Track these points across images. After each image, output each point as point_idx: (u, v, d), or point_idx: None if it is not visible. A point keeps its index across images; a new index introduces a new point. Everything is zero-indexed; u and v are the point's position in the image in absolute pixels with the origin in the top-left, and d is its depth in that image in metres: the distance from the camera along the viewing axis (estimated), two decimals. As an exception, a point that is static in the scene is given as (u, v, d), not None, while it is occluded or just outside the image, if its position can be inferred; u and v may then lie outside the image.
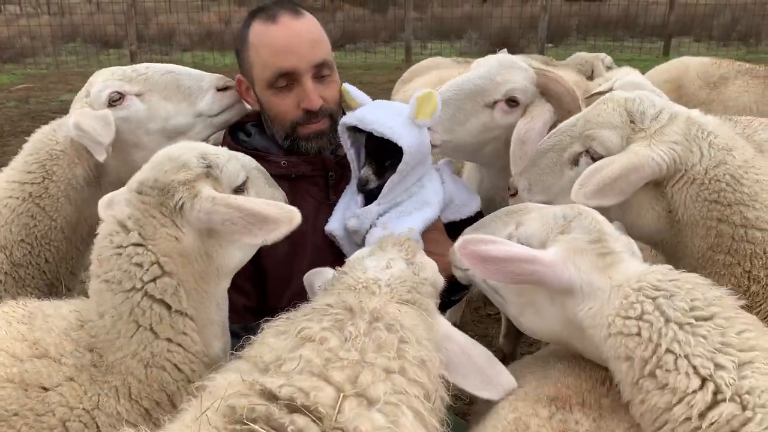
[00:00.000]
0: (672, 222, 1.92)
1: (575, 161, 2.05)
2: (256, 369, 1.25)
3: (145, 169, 1.71)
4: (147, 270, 1.56)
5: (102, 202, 1.89)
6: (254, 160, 1.97)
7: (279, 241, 2.12)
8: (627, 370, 1.41)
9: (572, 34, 18.08)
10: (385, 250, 1.69)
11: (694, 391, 1.30)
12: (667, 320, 1.38)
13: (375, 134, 2.12)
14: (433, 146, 2.27)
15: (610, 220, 1.72)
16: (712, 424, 1.26)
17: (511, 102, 2.37)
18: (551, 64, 6.55)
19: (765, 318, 1.78)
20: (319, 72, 2.27)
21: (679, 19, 16.55)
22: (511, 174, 2.31)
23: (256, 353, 1.29)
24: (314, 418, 1.10)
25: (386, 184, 2.15)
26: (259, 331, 1.40)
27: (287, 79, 2.23)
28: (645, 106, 1.92)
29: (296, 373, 1.18)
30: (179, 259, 1.60)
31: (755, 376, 1.29)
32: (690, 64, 5.43)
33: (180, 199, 1.61)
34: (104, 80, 2.42)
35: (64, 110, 9.36)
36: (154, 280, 1.57)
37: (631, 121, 1.92)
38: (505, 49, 4.66)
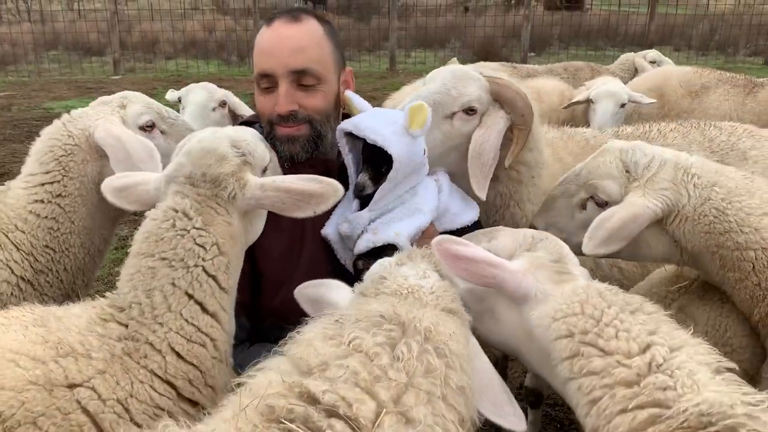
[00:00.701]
0: (682, 249, 2.14)
1: (583, 206, 2.30)
2: (297, 370, 1.28)
3: (184, 163, 1.82)
4: (209, 250, 1.72)
5: (111, 188, 1.97)
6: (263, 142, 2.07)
7: (276, 241, 2.16)
8: (567, 343, 1.52)
9: (554, 44, 18.28)
10: (415, 260, 1.76)
11: (634, 354, 1.40)
12: (609, 304, 1.53)
13: (368, 141, 2.14)
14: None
15: (624, 259, 1.91)
16: (651, 389, 1.33)
17: (469, 111, 2.48)
18: (533, 73, 6.67)
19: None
20: (300, 80, 2.28)
21: (659, 29, 16.82)
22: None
23: (302, 355, 1.31)
24: (352, 428, 1.14)
25: (378, 192, 2.17)
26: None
27: (268, 81, 2.29)
28: (637, 157, 2.15)
29: (341, 382, 1.21)
30: (230, 240, 1.78)
31: (685, 359, 1.38)
32: (672, 73, 5.54)
33: (232, 190, 1.78)
34: (145, 106, 2.67)
35: (47, 118, 9.25)
36: (212, 258, 1.73)
37: (627, 171, 2.15)
38: (455, 59, 4.81)
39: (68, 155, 2.36)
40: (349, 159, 2.27)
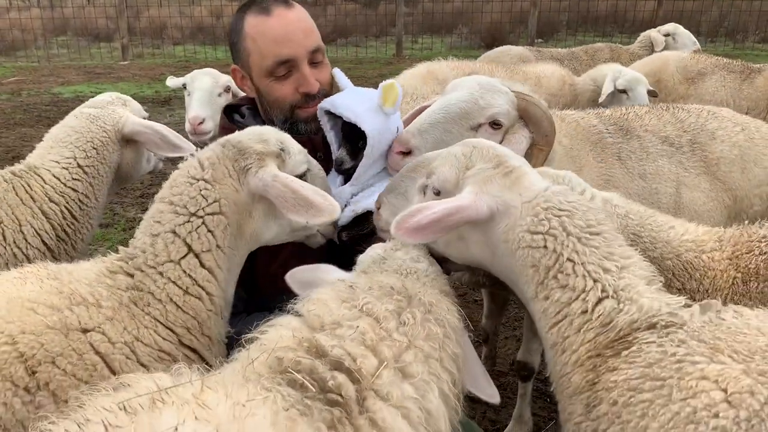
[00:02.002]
0: None
1: None
2: (308, 327, 1.42)
3: (236, 133, 2.03)
4: (210, 204, 1.85)
5: None
6: (323, 170, 2.21)
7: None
8: (533, 274, 1.70)
9: (561, 30, 18.21)
10: (407, 246, 1.90)
11: (588, 290, 1.62)
12: (568, 234, 1.68)
13: (344, 117, 2.28)
14: None
15: None
16: (599, 316, 1.59)
17: (495, 125, 2.44)
18: (557, 56, 6.73)
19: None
20: (314, 58, 2.44)
21: (668, 14, 16.72)
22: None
23: (317, 312, 1.45)
24: (353, 379, 1.28)
25: (359, 168, 2.30)
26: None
27: (286, 67, 2.39)
28: (573, 184, 2.21)
29: (349, 340, 1.36)
30: (233, 206, 1.89)
31: (629, 277, 1.64)
32: (669, 59, 5.58)
33: (249, 163, 1.91)
34: (136, 103, 3.08)
35: (56, 102, 9.35)
36: (212, 214, 1.84)
37: None
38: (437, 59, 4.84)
39: (104, 145, 2.79)
40: (331, 136, 2.40)
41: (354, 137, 2.31)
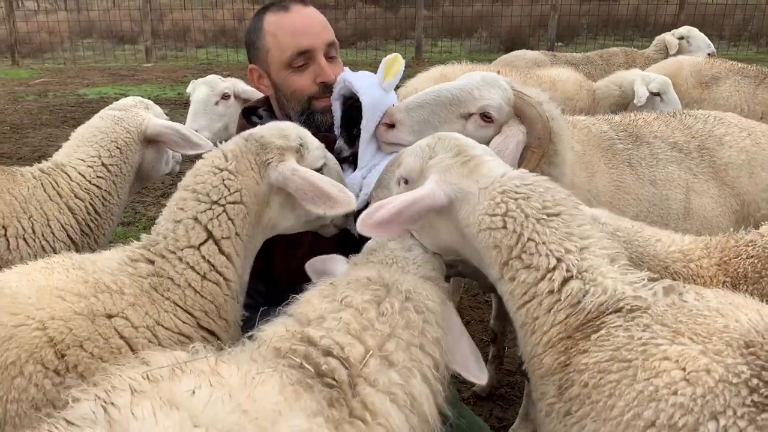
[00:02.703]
0: None
1: None
2: (298, 323, 1.54)
3: (259, 128, 2.14)
4: (232, 193, 1.94)
5: None
6: (339, 166, 2.31)
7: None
8: (496, 255, 1.76)
9: (582, 33, 18.18)
10: (403, 240, 2.00)
11: (553, 269, 1.68)
12: (527, 216, 1.73)
13: (347, 84, 2.39)
14: (396, 144, 2.40)
15: None
16: (567, 296, 1.65)
17: (486, 117, 2.45)
18: (572, 61, 6.77)
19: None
20: (329, 52, 2.57)
21: (689, 18, 16.59)
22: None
23: (302, 311, 1.57)
24: (344, 365, 1.40)
25: (359, 144, 2.39)
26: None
27: (304, 58, 2.50)
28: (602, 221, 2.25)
29: (336, 330, 1.47)
30: (253, 197, 1.99)
31: (591, 258, 1.70)
32: (684, 63, 5.60)
33: (270, 157, 2.01)
34: (156, 107, 3.25)
35: (81, 104, 9.57)
36: (234, 203, 1.94)
37: None
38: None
39: (128, 146, 2.95)
40: (337, 123, 2.52)
41: (351, 125, 2.41)
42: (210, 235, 1.92)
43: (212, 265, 1.91)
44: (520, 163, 2.46)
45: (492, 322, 3.82)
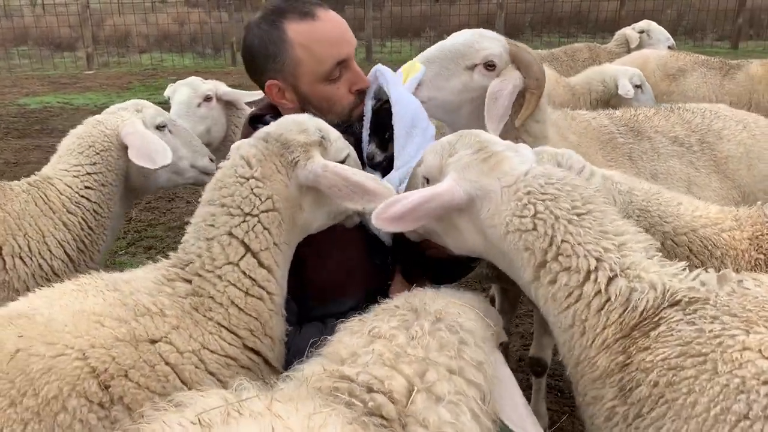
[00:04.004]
0: None
1: None
2: (334, 362, 1.43)
3: (272, 126, 1.99)
4: (264, 201, 1.83)
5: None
6: (354, 151, 2.16)
7: None
8: (529, 257, 1.70)
9: (526, 31, 18.48)
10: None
11: (595, 269, 1.62)
12: (557, 218, 1.68)
13: (380, 80, 2.35)
14: (421, 102, 2.47)
15: None
16: (617, 296, 1.60)
17: (489, 66, 2.60)
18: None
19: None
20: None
21: (630, 14, 17.09)
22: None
23: (334, 350, 1.46)
24: (391, 400, 1.30)
25: (395, 143, 2.29)
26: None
27: (340, 67, 2.31)
28: (573, 161, 2.24)
29: (371, 364, 1.37)
30: (285, 201, 1.88)
31: (630, 254, 1.66)
32: (649, 57, 5.73)
33: (296, 156, 1.88)
34: (158, 110, 3.08)
35: (23, 114, 9.16)
36: (267, 211, 1.83)
37: None
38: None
39: (106, 150, 2.76)
40: (366, 125, 2.42)
41: (382, 129, 2.34)
42: (248, 249, 1.80)
43: (254, 280, 1.80)
44: (517, 113, 2.63)
45: (533, 350, 3.65)
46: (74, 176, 2.69)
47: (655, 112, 3.43)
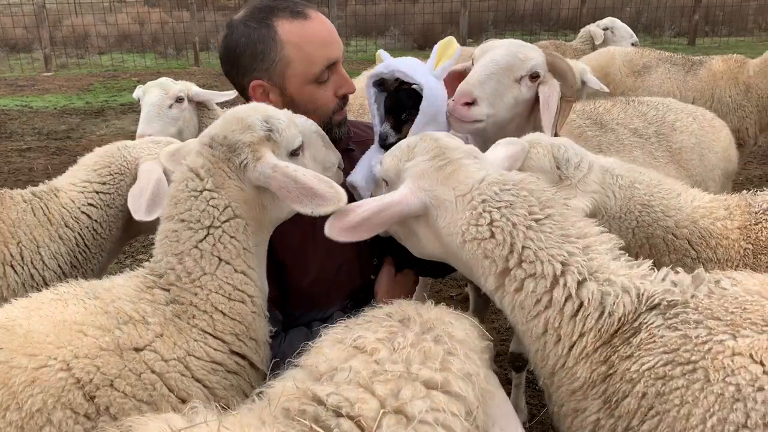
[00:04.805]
0: None
1: None
2: (310, 378, 1.32)
3: (216, 125, 1.89)
4: (223, 211, 1.78)
5: (166, 152, 2.26)
6: (314, 123, 2.05)
7: (290, 229, 2.17)
8: (490, 265, 1.65)
9: (489, 29, 18.64)
10: None
11: (562, 274, 1.57)
12: (514, 225, 1.63)
13: (396, 75, 2.24)
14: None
15: None
16: (590, 300, 1.54)
17: (533, 77, 2.59)
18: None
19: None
20: None
21: (590, 11, 17.38)
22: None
23: (313, 362, 1.36)
24: (359, 426, 1.18)
25: (413, 128, 2.22)
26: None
27: (329, 70, 2.25)
28: (570, 155, 2.18)
29: (345, 383, 1.26)
30: (244, 205, 1.82)
31: (596, 257, 1.60)
32: (615, 53, 5.82)
33: (245, 159, 1.80)
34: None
35: (-16, 118, 8.70)
36: (229, 220, 1.78)
37: (558, 167, 2.17)
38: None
39: (121, 174, 2.69)
40: (374, 109, 2.34)
41: (399, 110, 2.27)
42: (220, 259, 1.76)
43: (233, 285, 1.76)
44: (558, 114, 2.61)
45: (513, 345, 3.64)
46: (80, 191, 2.63)
47: (612, 104, 3.53)
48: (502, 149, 2.11)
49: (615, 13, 18.01)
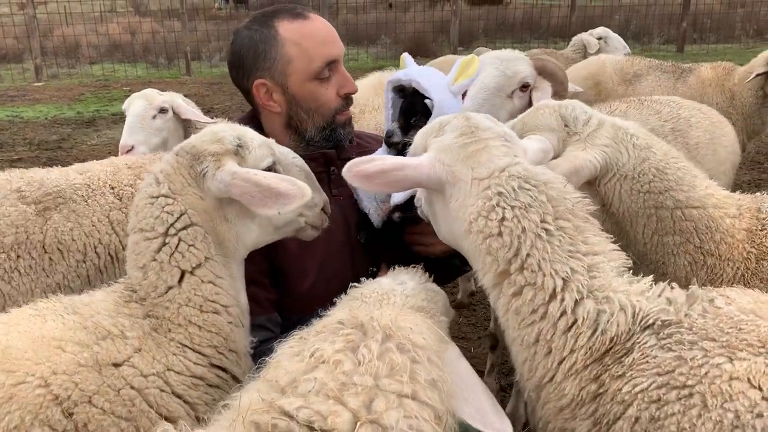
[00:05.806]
0: (608, 214, 2.14)
1: None
2: (273, 390, 1.26)
3: (191, 138, 1.91)
4: (178, 218, 1.74)
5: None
6: (301, 159, 2.03)
7: (287, 238, 2.14)
8: (491, 263, 1.61)
9: (480, 38, 18.70)
10: (398, 274, 1.79)
11: (561, 290, 1.53)
12: (524, 229, 1.57)
13: (413, 85, 2.25)
14: None
15: None
16: (585, 319, 1.50)
17: (523, 87, 2.77)
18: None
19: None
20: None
21: (580, 20, 17.48)
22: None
23: (272, 377, 1.30)
24: None
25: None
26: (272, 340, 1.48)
27: (329, 69, 2.29)
28: (577, 113, 2.13)
29: (313, 395, 1.20)
30: (204, 214, 1.78)
31: (600, 275, 1.56)
32: (606, 62, 5.84)
33: (205, 167, 1.78)
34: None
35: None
36: (185, 227, 1.74)
37: (566, 125, 2.12)
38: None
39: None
40: (389, 114, 2.36)
41: (411, 113, 2.28)
42: (181, 269, 1.72)
43: (203, 297, 1.72)
44: None
45: (491, 326, 3.70)
46: None
47: (627, 106, 3.55)
48: (535, 143, 2.02)
49: (604, 21, 18.10)
